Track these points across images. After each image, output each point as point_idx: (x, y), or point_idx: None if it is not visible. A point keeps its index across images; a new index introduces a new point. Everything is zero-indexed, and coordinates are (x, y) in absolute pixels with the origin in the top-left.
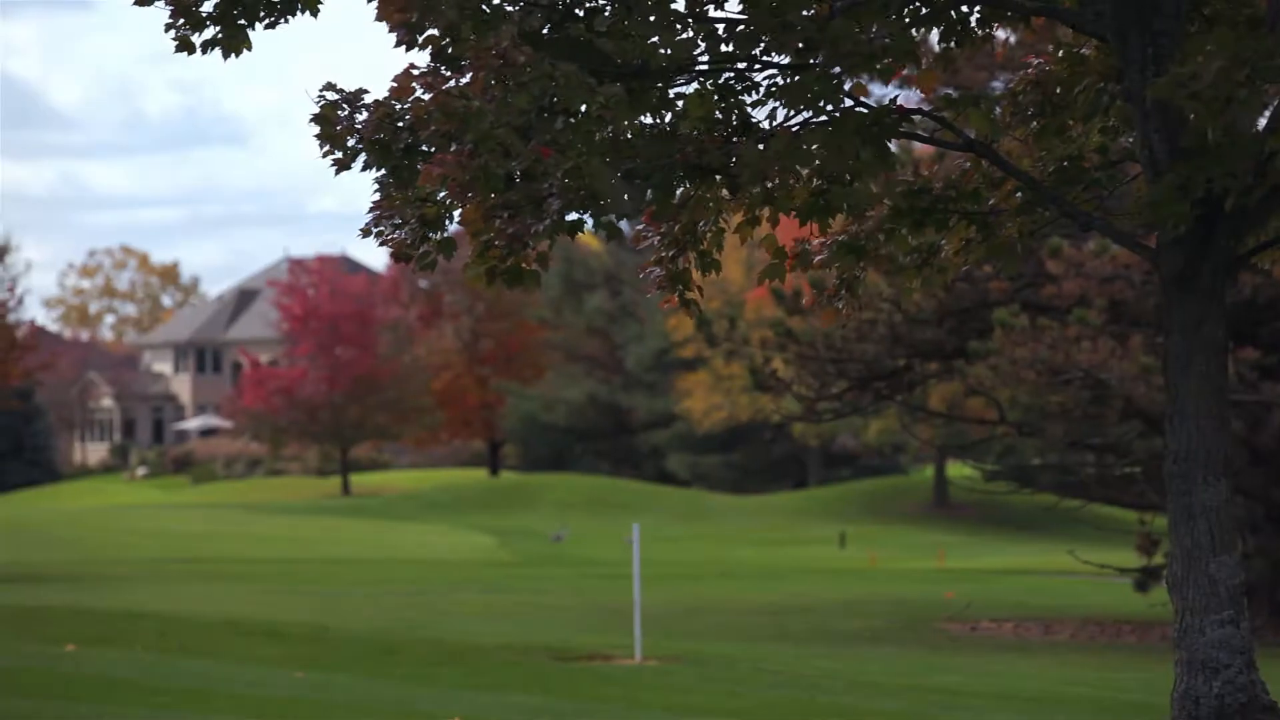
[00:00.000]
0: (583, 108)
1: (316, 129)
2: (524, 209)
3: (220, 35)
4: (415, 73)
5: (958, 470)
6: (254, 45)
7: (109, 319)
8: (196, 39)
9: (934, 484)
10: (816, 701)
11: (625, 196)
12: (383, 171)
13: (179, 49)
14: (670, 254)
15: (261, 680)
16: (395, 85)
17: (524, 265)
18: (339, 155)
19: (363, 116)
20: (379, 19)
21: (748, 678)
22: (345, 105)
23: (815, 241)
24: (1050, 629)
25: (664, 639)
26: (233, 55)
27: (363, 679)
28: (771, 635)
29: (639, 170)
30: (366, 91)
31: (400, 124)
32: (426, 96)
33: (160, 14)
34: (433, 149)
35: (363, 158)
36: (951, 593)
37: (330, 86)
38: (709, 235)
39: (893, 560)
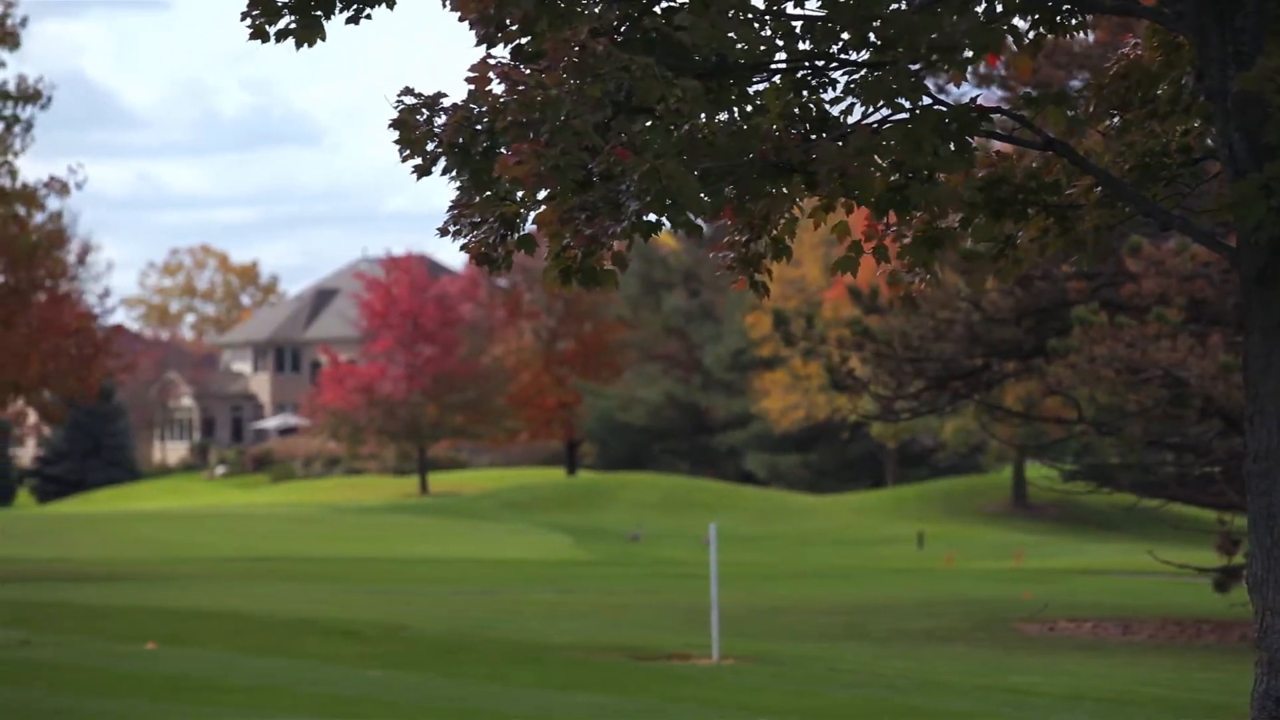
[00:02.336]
0: (659, 103)
1: (396, 134)
2: (601, 210)
3: (295, 26)
4: (492, 62)
5: (1036, 470)
6: (327, 39)
7: (189, 318)
8: (271, 28)
9: (1012, 483)
10: (892, 701)
11: (704, 197)
12: (464, 175)
13: (253, 36)
14: (744, 239)
15: (336, 679)
16: (473, 75)
17: (599, 265)
18: (419, 161)
19: (441, 120)
20: (452, 9)
21: (824, 677)
22: (424, 109)
23: (888, 232)
24: (1129, 629)
25: (741, 639)
26: (305, 45)
27: (437, 678)
28: (848, 635)
29: (717, 169)
30: (445, 95)
31: (479, 126)
32: (501, 89)
33: (229, 12)
34: (507, 145)
35: (442, 162)
36: (1030, 593)
37: (408, 91)
38: (782, 222)
39: (970, 560)
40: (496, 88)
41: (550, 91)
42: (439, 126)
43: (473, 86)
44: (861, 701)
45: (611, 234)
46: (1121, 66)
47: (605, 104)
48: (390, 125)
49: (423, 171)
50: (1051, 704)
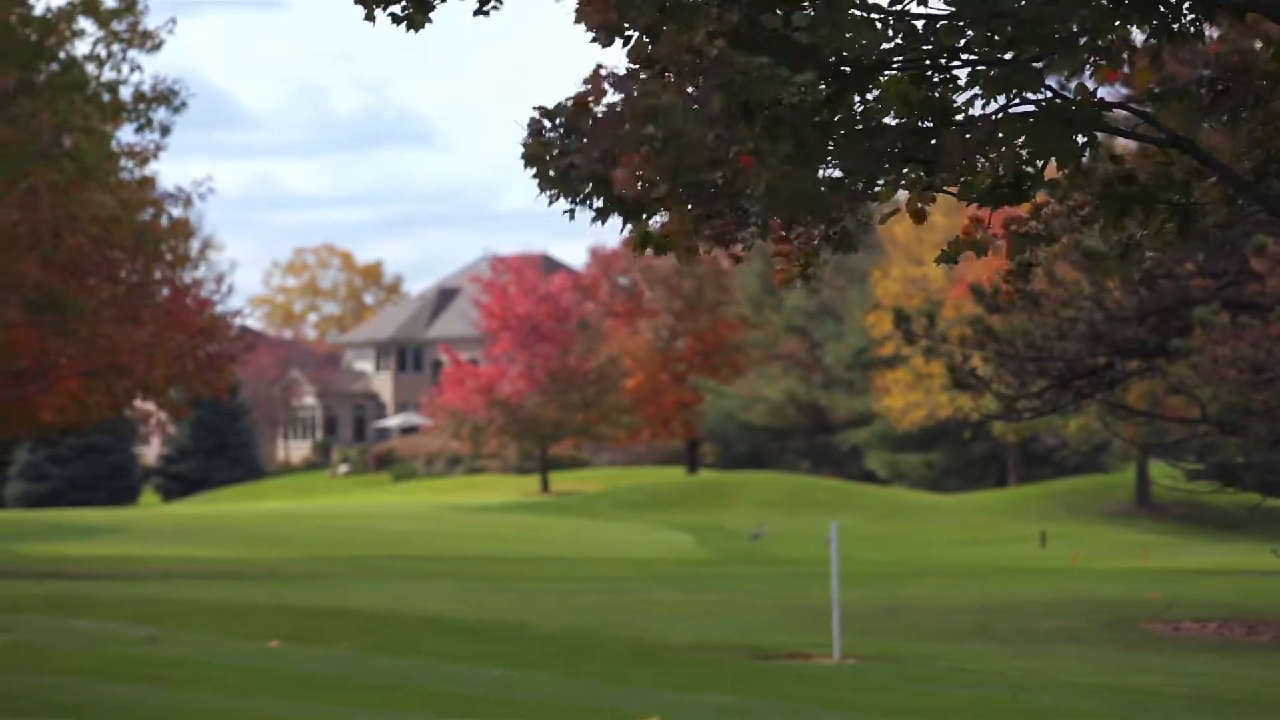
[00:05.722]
0: (774, 106)
1: (532, 171)
2: (725, 215)
3: (407, 11)
4: (603, 73)
5: (1161, 470)
6: (438, 34)
7: (312, 318)
8: (380, 12)
9: (1136, 483)
10: (1016, 701)
11: (827, 198)
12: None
13: (366, 18)
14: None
15: (458, 677)
16: (586, 86)
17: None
18: (554, 191)
19: (577, 158)
20: (579, 21)
21: (947, 677)
22: (550, 132)
23: (989, 229)
24: (1254, 630)
25: (863, 638)
26: (413, 30)
27: (559, 677)
28: (971, 635)
29: (841, 170)
30: (575, 131)
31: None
32: (615, 97)
33: (342, 9)
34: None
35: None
36: (1157, 593)
37: (542, 114)
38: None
39: (1094, 560)
40: (612, 97)
41: (664, 100)
42: (574, 159)
43: (588, 96)
44: (987, 701)
45: (740, 237)
46: (1236, 60)
47: (720, 113)
48: (523, 159)
49: (555, 198)
50: (1181, 705)
